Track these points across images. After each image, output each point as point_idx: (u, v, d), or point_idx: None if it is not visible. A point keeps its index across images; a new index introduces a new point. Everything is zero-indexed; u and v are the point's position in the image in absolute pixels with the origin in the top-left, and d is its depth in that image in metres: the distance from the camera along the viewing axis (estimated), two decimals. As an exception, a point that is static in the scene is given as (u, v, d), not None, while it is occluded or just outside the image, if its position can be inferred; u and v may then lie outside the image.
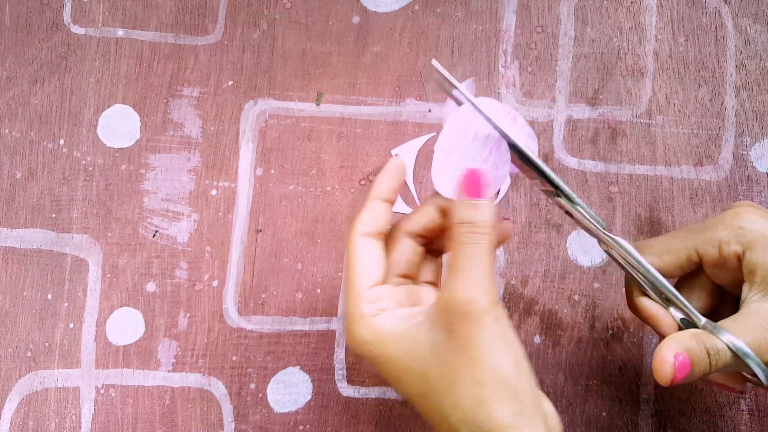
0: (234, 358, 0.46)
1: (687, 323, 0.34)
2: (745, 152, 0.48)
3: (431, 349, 0.30)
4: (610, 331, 0.46)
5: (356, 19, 0.49)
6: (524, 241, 0.47)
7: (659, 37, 0.49)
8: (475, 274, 0.30)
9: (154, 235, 0.47)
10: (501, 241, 0.36)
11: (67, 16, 0.49)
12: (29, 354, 0.46)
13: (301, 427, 0.45)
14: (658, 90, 0.48)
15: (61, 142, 0.47)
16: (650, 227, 0.47)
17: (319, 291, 0.46)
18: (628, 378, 0.45)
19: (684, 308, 0.34)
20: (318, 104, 0.48)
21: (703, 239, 0.35)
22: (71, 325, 0.46)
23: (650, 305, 0.35)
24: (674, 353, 0.32)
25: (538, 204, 0.47)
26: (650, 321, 0.35)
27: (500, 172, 0.34)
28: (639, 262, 0.35)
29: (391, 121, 0.48)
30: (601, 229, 0.35)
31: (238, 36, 0.49)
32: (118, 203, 0.47)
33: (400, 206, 0.47)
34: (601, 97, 0.48)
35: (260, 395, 0.45)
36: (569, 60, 0.49)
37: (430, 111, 0.48)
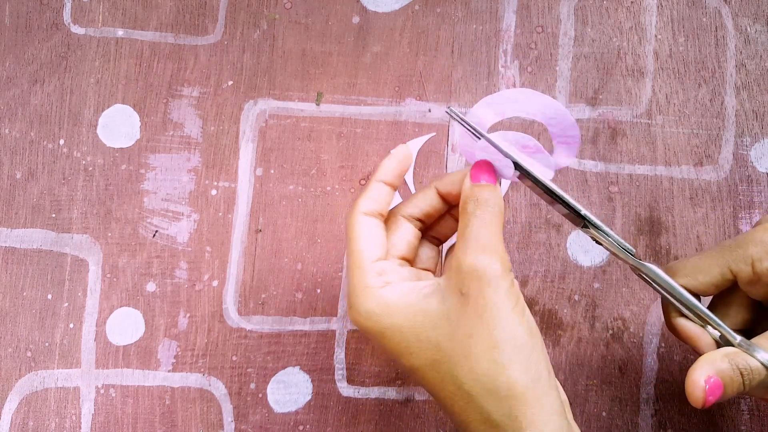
0: (234, 358, 0.46)
1: (725, 341, 0.34)
2: (745, 152, 0.48)
3: (444, 317, 0.30)
4: (610, 331, 0.46)
5: (356, 19, 0.49)
6: (524, 241, 0.47)
7: (659, 37, 0.49)
8: (488, 241, 0.30)
9: (154, 235, 0.47)
10: None
11: (67, 16, 0.49)
12: (29, 354, 0.46)
13: (301, 427, 0.45)
14: (658, 90, 0.48)
15: (61, 142, 0.47)
16: (650, 227, 0.47)
17: (319, 291, 0.46)
18: (628, 378, 0.45)
19: (718, 328, 0.34)
20: (318, 104, 0.48)
21: (736, 257, 0.34)
22: (71, 325, 0.46)
23: (687, 326, 0.35)
24: (706, 376, 0.32)
25: (538, 204, 0.47)
26: (689, 341, 0.35)
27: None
28: (671, 286, 0.35)
29: (391, 121, 0.48)
30: (632, 257, 0.35)
31: (238, 36, 0.49)
32: (118, 203, 0.47)
33: (400, 206, 0.47)
34: (601, 97, 0.48)
35: (260, 395, 0.45)
36: (569, 60, 0.49)
37: (430, 111, 0.48)
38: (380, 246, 0.33)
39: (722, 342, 0.34)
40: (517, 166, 0.34)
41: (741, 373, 0.32)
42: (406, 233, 0.35)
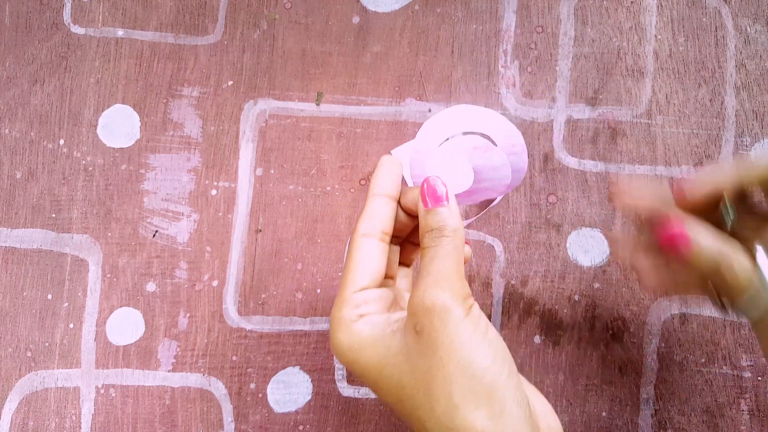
0: (234, 358, 0.46)
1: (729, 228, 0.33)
2: (745, 152, 0.48)
3: (404, 354, 0.29)
4: (610, 331, 0.46)
5: (356, 19, 0.49)
6: (524, 241, 0.47)
7: (659, 37, 0.49)
8: (440, 273, 0.29)
9: (154, 235, 0.47)
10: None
11: (67, 16, 0.49)
12: (29, 354, 0.46)
13: (301, 427, 0.45)
14: (658, 90, 0.48)
15: (61, 142, 0.47)
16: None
17: (319, 291, 0.46)
18: (628, 378, 0.45)
19: (725, 210, 0.33)
20: (318, 104, 0.48)
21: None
22: (71, 325, 0.46)
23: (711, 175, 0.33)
24: (679, 226, 0.31)
25: (538, 204, 0.47)
26: (700, 181, 0.33)
27: (465, 177, 0.35)
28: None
29: (391, 121, 0.48)
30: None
31: (238, 36, 0.49)
32: (118, 203, 0.47)
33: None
34: (601, 97, 0.48)
35: (260, 395, 0.45)
36: (569, 60, 0.49)
37: (430, 111, 0.48)
38: (372, 272, 0.32)
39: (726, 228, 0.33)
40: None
41: (703, 247, 0.31)
42: (371, 252, 0.33)
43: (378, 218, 0.33)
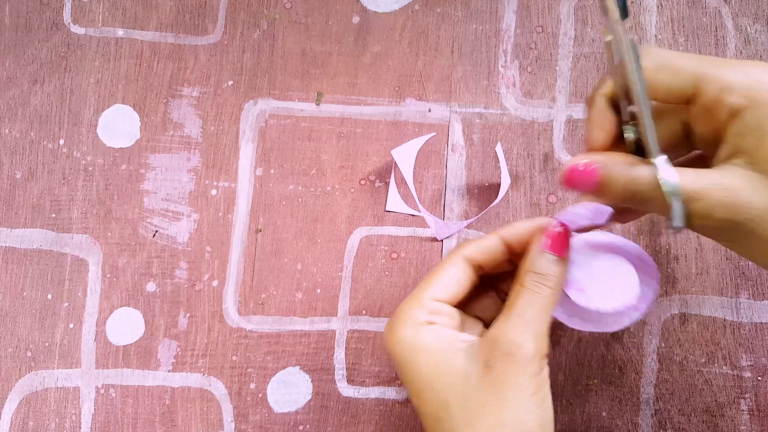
0: (234, 358, 0.46)
1: (638, 149, 0.30)
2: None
3: (462, 378, 0.29)
4: (610, 331, 0.46)
5: (356, 19, 0.49)
6: (524, 241, 0.47)
7: (659, 37, 0.49)
8: (530, 320, 0.29)
9: (154, 235, 0.47)
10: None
11: (67, 16, 0.49)
12: (29, 354, 0.46)
13: (301, 427, 0.45)
14: (658, 90, 0.48)
15: (61, 142, 0.47)
16: (650, 227, 0.47)
17: (319, 291, 0.46)
18: (628, 378, 0.45)
19: (646, 133, 0.29)
20: (318, 104, 0.48)
21: (712, 73, 0.28)
22: (71, 325, 0.46)
23: (601, 105, 0.30)
24: (592, 161, 0.28)
25: (538, 204, 0.47)
26: (587, 122, 0.31)
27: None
28: (635, 62, 0.28)
29: (391, 121, 0.48)
30: (621, 20, 0.27)
31: (238, 36, 0.49)
32: (118, 203, 0.47)
33: (400, 206, 0.47)
34: (601, 97, 0.48)
35: (260, 395, 0.45)
36: (569, 60, 0.49)
37: (430, 111, 0.48)
38: (450, 290, 0.32)
39: (635, 150, 0.30)
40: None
41: (625, 183, 0.28)
42: (458, 272, 0.33)
43: (486, 252, 0.33)
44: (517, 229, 0.33)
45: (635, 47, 0.28)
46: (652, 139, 0.29)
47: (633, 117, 0.30)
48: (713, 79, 0.28)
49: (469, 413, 0.28)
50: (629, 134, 0.30)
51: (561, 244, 0.31)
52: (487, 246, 0.33)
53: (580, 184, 0.29)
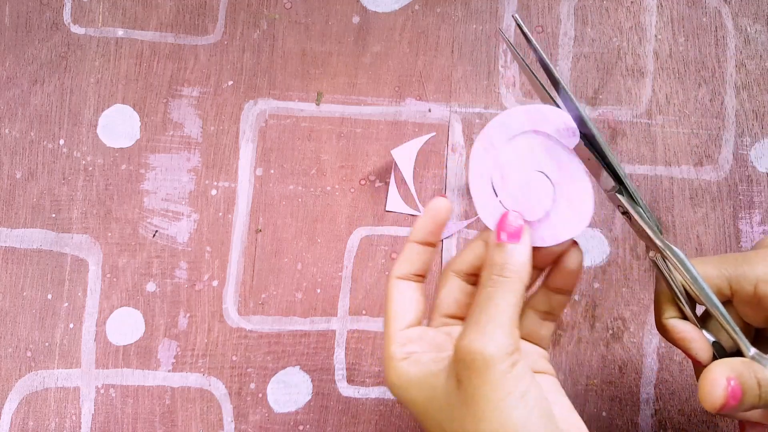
0: (234, 358, 0.46)
1: (719, 348, 0.33)
2: (745, 152, 0.48)
3: (445, 399, 0.29)
4: (610, 331, 0.46)
5: (356, 19, 0.49)
6: (524, 241, 0.47)
7: (659, 37, 0.49)
8: (488, 321, 0.28)
9: (154, 235, 0.47)
10: (567, 286, 0.33)
11: (67, 16, 0.49)
12: (29, 354, 0.46)
13: (301, 427, 0.45)
14: (658, 90, 0.48)
15: (61, 142, 0.47)
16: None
17: (319, 291, 0.46)
18: (628, 378, 0.45)
19: (732, 332, 0.31)
20: (318, 104, 0.48)
21: (740, 273, 0.32)
22: (71, 325, 0.46)
23: (683, 326, 0.33)
24: (727, 376, 0.29)
25: (538, 204, 0.47)
26: (681, 343, 0.33)
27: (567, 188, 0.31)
28: (692, 275, 0.32)
29: (391, 121, 0.48)
30: (659, 235, 0.32)
31: (238, 36, 0.49)
32: (118, 203, 0.47)
33: (400, 206, 0.47)
34: (601, 97, 0.48)
35: (260, 395, 0.45)
36: (569, 60, 0.49)
37: (430, 111, 0.48)
38: (412, 311, 0.32)
39: (717, 350, 0.33)
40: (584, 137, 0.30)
41: (759, 384, 0.30)
42: (454, 290, 0.33)
43: (411, 261, 0.33)
44: (420, 225, 0.32)
45: (686, 262, 0.32)
46: (741, 337, 0.31)
47: (705, 321, 0.33)
48: (745, 277, 0.32)
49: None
50: (711, 338, 0.33)
51: (509, 229, 0.30)
52: (470, 254, 0.33)
53: (731, 409, 0.30)
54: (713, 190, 0.47)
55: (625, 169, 0.47)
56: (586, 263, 0.46)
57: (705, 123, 0.48)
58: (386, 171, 0.47)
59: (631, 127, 0.48)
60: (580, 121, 0.30)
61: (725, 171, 0.47)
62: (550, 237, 0.31)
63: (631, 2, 0.49)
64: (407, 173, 0.47)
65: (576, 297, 0.46)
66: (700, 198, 0.47)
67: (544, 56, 0.31)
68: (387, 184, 0.47)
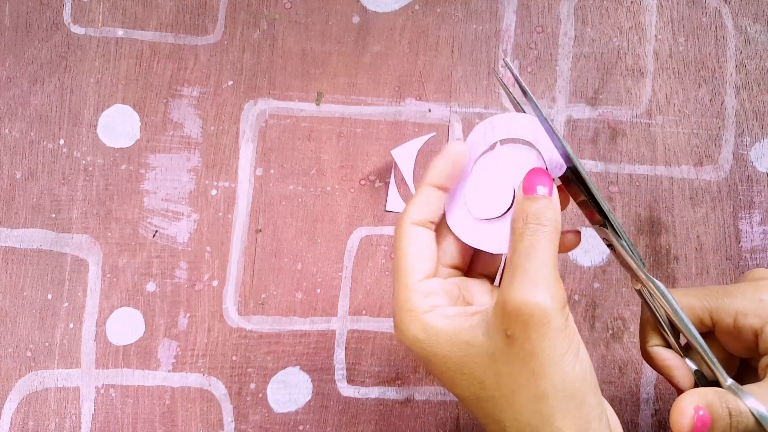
0: (234, 358, 0.46)
1: (701, 376, 0.33)
2: (745, 152, 0.48)
3: (488, 356, 0.27)
4: (610, 331, 0.46)
5: (356, 19, 0.49)
6: (524, 241, 0.47)
7: (659, 37, 0.49)
8: (537, 272, 0.27)
9: (154, 235, 0.47)
10: (565, 249, 0.33)
11: (67, 16, 0.49)
12: (29, 354, 0.46)
13: (301, 427, 0.45)
14: (658, 90, 0.48)
15: (61, 142, 0.47)
16: (650, 227, 0.47)
17: (319, 291, 0.46)
18: (628, 378, 0.45)
19: (710, 363, 0.32)
20: (318, 104, 0.48)
21: (720, 306, 0.33)
22: (71, 325, 0.46)
23: (666, 354, 0.34)
24: (695, 406, 0.30)
25: (538, 204, 0.47)
26: (664, 370, 0.34)
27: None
28: (672, 307, 0.33)
29: (391, 121, 0.48)
30: (642, 268, 0.33)
31: (238, 36, 0.49)
32: (118, 203, 0.47)
33: (400, 206, 0.47)
34: (601, 97, 0.48)
35: (260, 395, 0.45)
36: (569, 60, 0.49)
37: (430, 111, 0.48)
38: (430, 260, 0.30)
39: (699, 378, 0.33)
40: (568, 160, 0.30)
41: (730, 413, 0.30)
42: (451, 241, 0.32)
43: (426, 207, 0.31)
44: (438, 168, 0.31)
45: (667, 296, 0.33)
46: (718, 368, 0.32)
47: (687, 351, 0.34)
48: (725, 309, 0.33)
49: (506, 390, 0.27)
50: (694, 366, 0.34)
51: (541, 180, 0.30)
52: (433, 206, 0.31)
53: (701, 427, 0.30)
54: (713, 190, 0.47)
55: (625, 169, 0.47)
56: (587, 263, 0.47)
57: (705, 123, 0.48)
58: (386, 171, 0.47)
59: (631, 127, 0.48)
60: (567, 158, 0.31)
61: (725, 171, 0.47)
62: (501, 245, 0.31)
63: (631, 2, 0.49)
64: (407, 173, 0.47)
65: (576, 297, 0.46)
66: (700, 198, 0.47)
67: (531, 94, 0.32)
68: (387, 184, 0.47)
